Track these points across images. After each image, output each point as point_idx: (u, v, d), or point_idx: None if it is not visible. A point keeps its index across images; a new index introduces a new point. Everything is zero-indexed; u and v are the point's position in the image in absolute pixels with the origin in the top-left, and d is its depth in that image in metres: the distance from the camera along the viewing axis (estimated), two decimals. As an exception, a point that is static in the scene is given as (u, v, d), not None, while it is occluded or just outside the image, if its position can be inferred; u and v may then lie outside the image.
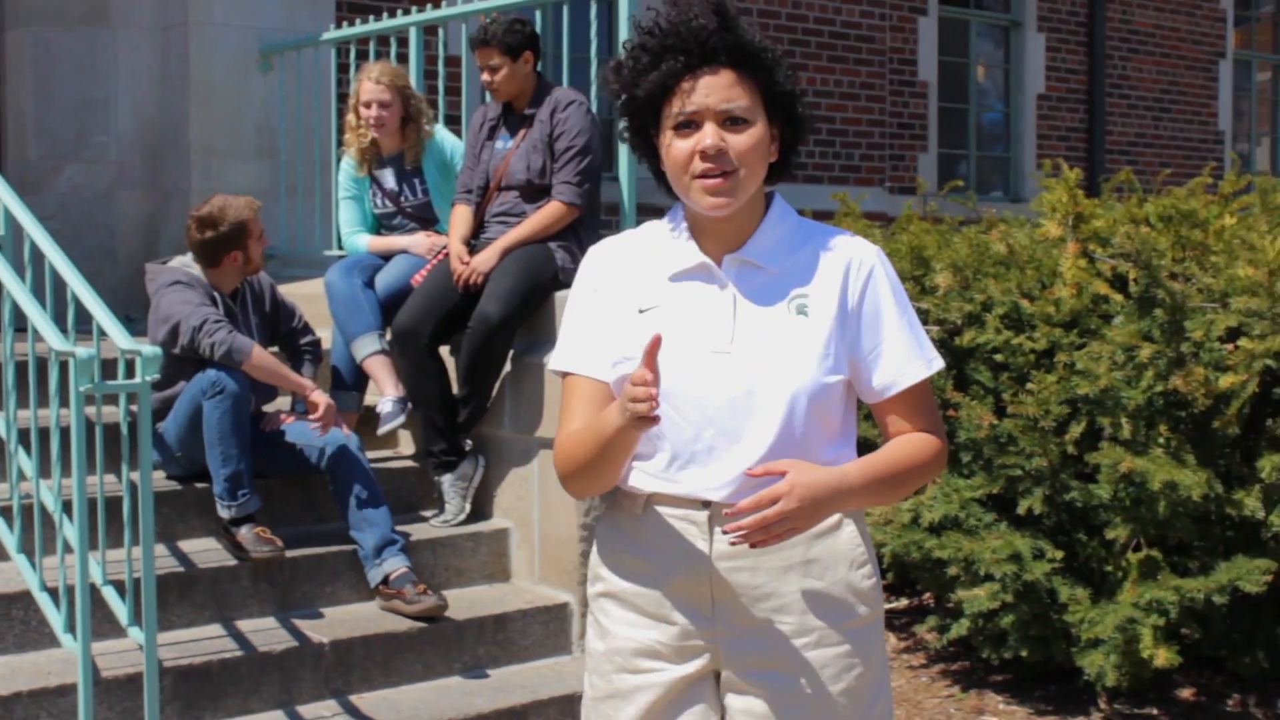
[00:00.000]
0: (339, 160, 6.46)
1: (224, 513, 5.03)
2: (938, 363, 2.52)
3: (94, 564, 4.46)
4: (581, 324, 2.55)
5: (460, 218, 5.80)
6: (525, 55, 5.68)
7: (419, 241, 6.04)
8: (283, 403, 5.59)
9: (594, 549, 2.62)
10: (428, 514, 5.70)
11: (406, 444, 6.11)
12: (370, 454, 5.60)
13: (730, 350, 2.42)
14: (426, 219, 6.20)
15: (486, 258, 5.55)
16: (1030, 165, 12.94)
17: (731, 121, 2.39)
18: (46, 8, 7.97)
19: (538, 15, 6.22)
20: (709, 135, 2.37)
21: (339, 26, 7.56)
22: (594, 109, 5.81)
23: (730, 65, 2.39)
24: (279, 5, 7.91)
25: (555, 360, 2.58)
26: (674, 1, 2.47)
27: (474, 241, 5.76)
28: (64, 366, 4.38)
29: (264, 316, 5.55)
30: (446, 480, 5.61)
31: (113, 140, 8.02)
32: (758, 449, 2.40)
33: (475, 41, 5.72)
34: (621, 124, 2.51)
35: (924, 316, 5.40)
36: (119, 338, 4.29)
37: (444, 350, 5.65)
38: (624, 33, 5.85)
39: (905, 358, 2.48)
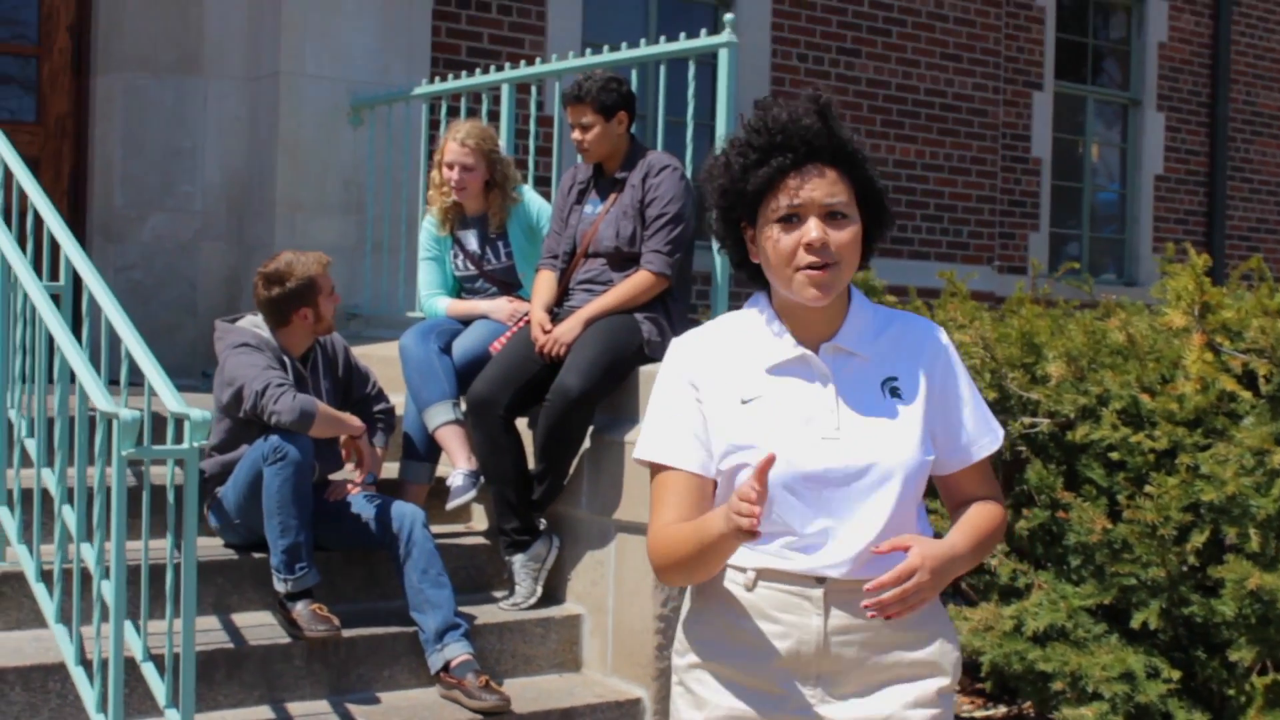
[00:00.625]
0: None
1: (280, 586, 4.79)
2: (1001, 433, 2.71)
3: (134, 638, 4.22)
4: (673, 415, 2.60)
5: (544, 284, 5.53)
6: (619, 115, 5.43)
7: (500, 307, 5.76)
8: (348, 472, 5.32)
9: (683, 621, 2.68)
10: (497, 595, 5.41)
11: (479, 519, 5.83)
12: (440, 528, 5.35)
13: (838, 436, 2.52)
14: (509, 283, 5.93)
15: (569, 327, 5.27)
16: (1146, 248, 12.52)
17: (832, 216, 2.49)
18: (139, 54, 7.86)
19: (634, 75, 5.95)
20: (814, 229, 2.48)
21: (431, 81, 7.35)
22: (689, 175, 5.53)
23: (832, 164, 2.51)
24: (373, 57, 7.73)
25: (644, 449, 2.62)
26: (779, 100, 2.56)
27: (557, 309, 5.48)
28: (110, 426, 4.15)
29: (335, 381, 5.30)
30: (518, 561, 5.31)
31: (198, 191, 7.88)
32: (874, 528, 2.50)
33: (568, 97, 5.47)
34: (711, 213, 2.62)
35: (1034, 408, 5.04)
36: (169, 399, 4.07)
37: (521, 423, 5.37)
38: (723, 97, 5.60)
39: (979, 431, 2.66)
